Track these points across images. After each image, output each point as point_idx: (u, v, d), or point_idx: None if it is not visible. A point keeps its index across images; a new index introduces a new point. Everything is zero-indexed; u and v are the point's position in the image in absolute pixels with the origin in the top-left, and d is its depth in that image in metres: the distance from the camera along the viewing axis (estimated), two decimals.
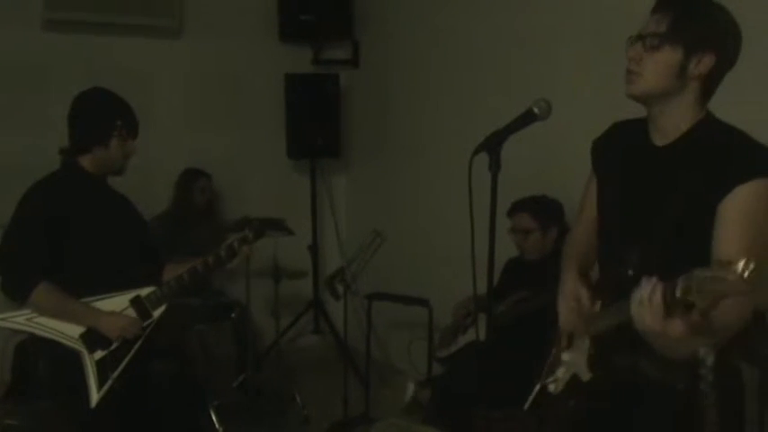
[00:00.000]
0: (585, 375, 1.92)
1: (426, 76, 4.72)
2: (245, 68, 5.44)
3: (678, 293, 1.40)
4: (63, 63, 4.82)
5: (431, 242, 4.64)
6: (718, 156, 1.70)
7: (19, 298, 2.63)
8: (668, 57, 1.74)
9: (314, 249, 5.35)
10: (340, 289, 3.98)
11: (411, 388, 3.80)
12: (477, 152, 1.75)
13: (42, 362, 3.51)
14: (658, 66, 1.75)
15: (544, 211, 3.37)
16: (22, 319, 2.68)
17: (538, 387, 2.16)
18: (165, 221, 4.70)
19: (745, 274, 1.24)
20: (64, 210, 2.66)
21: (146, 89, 5.02)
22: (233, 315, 4.44)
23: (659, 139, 1.84)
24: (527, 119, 1.80)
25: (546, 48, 3.64)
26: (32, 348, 3.93)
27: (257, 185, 5.47)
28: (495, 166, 1.75)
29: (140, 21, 4.99)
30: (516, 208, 3.40)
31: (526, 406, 2.23)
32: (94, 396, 2.64)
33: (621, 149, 1.97)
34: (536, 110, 1.80)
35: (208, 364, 4.17)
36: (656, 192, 1.80)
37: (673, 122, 1.80)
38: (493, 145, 1.76)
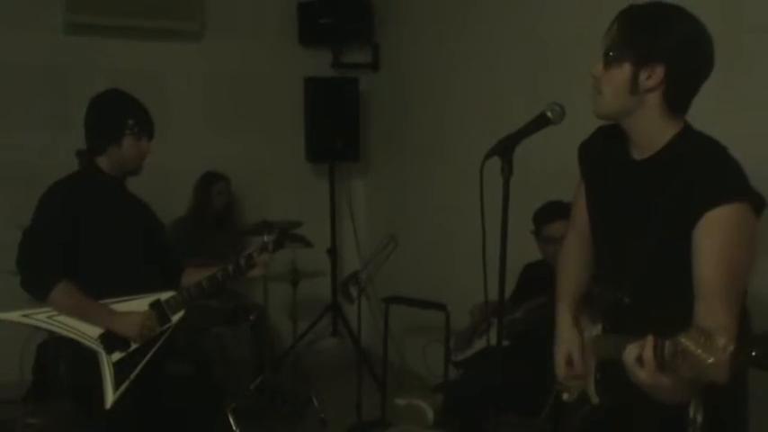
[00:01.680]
0: (594, 398, 1.93)
1: (446, 79, 4.71)
2: (265, 72, 5.46)
3: (666, 357, 1.40)
4: (85, 66, 4.87)
5: (449, 246, 4.63)
6: (689, 178, 1.68)
7: (39, 296, 2.66)
8: (618, 74, 1.73)
9: (332, 253, 5.36)
10: (354, 292, 3.98)
11: (429, 413, 3.77)
12: (488, 156, 1.74)
13: (63, 362, 3.55)
14: (612, 84, 1.74)
15: None
16: (44, 317, 2.70)
17: (554, 393, 2.15)
18: (184, 225, 4.73)
19: (725, 356, 1.25)
20: (82, 211, 2.70)
21: (166, 92, 5.07)
22: (251, 317, 4.46)
23: (637, 153, 1.83)
24: (540, 123, 1.79)
25: (565, 51, 3.62)
26: (53, 348, 3.99)
27: (276, 189, 5.49)
28: (507, 171, 1.74)
29: (161, 24, 5.04)
30: (552, 216, 3.32)
31: (544, 414, 2.22)
32: (110, 397, 2.67)
33: (603, 160, 1.95)
34: (549, 114, 1.79)
35: (225, 366, 4.18)
36: (636, 212, 1.79)
37: (647, 137, 1.78)
38: (505, 149, 1.75)
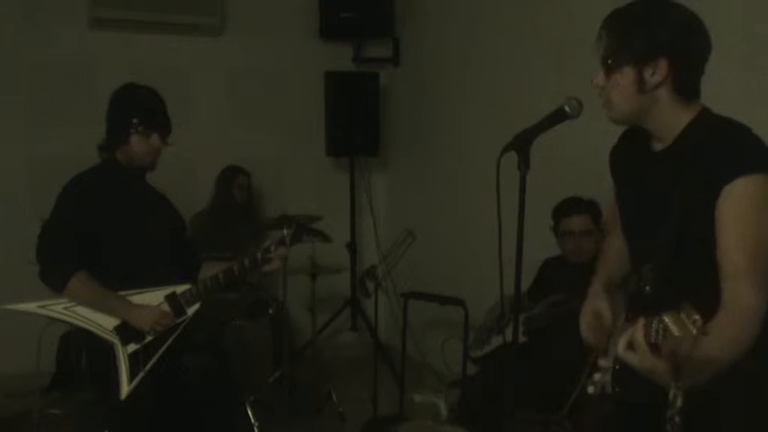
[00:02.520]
0: (609, 388, 1.92)
1: (466, 74, 4.70)
2: (285, 66, 5.48)
3: (652, 337, 1.37)
4: (108, 60, 4.92)
5: (468, 241, 4.62)
6: (706, 158, 1.66)
7: (56, 287, 2.68)
8: (622, 78, 1.72)
9: (352, 247, 5.36)
10: (370, 287, 3.98)
11: (443, 409, 3.76)
12: (505, 151, 1.74)
13: (85, 352, 3.58)
14: (618, 90, 1.74)
15: (599, 213, 3.30)
16: (60, 308, 2.72)
17: (577, 391, 2.14)
18: (205, 218, 4.77)
19: (694, 331, 1.23)
20: (100, 204, 2.72)
21: (188, 86, 5.11)
22: (270, 311, 4.48)
23: (656, 144, 1.82)
24: (557, 117, 1.78)
25: (585, 46, 3.59)
26: (76, 339, 4.03)
27: (297, 183, 5.51)
28: (524, 166, 1.74)
29: (183, 19, 5.08)
30: (575, 209, 3.31)
31: (565, 410, 2.21)
32: (125, 388, 2.69)
33: (628, 158, 1.95)
34: (567, 108, 1.79)
35: (244, 360, 4.20)
36: (656, 201, 1.78)
37: (662, 129, 1.77)
38: (522, 144, 1.74)
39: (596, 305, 2.01)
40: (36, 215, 3.50)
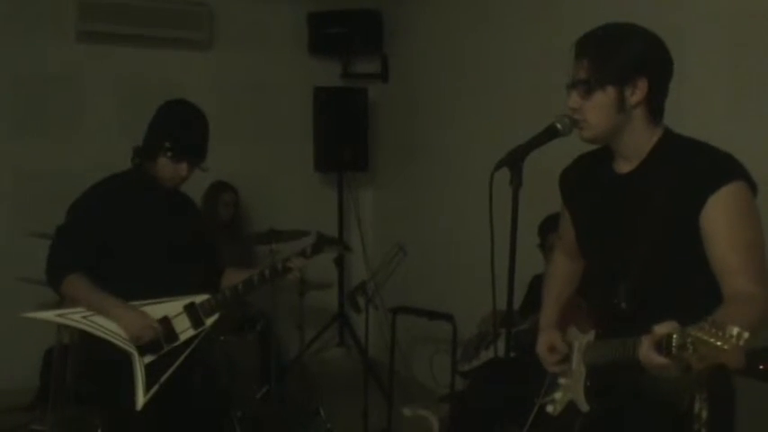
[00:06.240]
0: (584, 407, 1.94)
1: (454, 90, 4.72)
2: (274, 81, 5.49)
3: (674, 350, 1.41)
4: (96, 74, 4.90)
5: (457, 256, 4.63)
6: (682, 173, 1.72)
7: (54, 287, 2.68)
8: (603, 98, 1.77)
9: (340, 262, 5.36)
10: (361, 302, 3.97)
11: (435, 424, 3.76)
12: (498, 167, 1.76)
13: (70, 369, 3.53)
14: (597, 109, 1.78)
15: None
16: (79, 317, 2.68)
17: (536, 408, 2.16)
18: None
19: (741, 343, 1.29)
20: (115, 213, 2.70)
21: None
22: (258, 326, 4.45)
23: (622, 167, 1.87)
24: (549, 134, 1.81)
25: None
26: (60, 355, 4.00)
27: (285, 198, 5.50)
28: (516, 182, 1.76)
29: (171, 33, 5.08)
30: (556, 225, 3.33)
31: (526, 429, 2.22)
32: (141, 399, 2.64)
33: (587, 181, 2.00)
34: (558, 126, 1.81)
35: (231, 375, 4.17)
36: (627, 220, 1.82)
37: (632, 149, 1.83)
38: (514, 160, 1.76)
39: (549, 339, 2.10)
40: (21, 228, 3.48)
